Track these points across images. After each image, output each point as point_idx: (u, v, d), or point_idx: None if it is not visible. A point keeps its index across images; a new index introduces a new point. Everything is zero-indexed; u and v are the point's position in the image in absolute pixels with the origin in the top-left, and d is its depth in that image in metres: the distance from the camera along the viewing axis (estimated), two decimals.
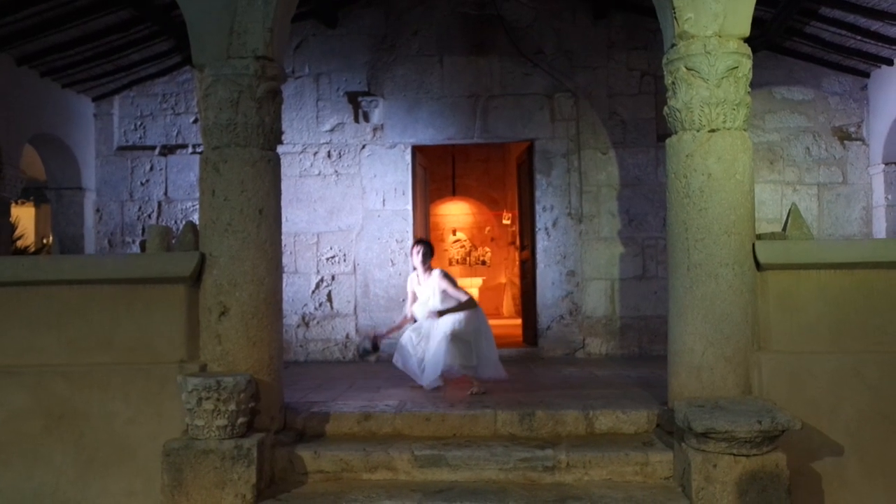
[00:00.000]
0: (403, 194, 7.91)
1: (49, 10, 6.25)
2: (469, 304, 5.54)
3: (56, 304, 4.20)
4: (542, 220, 7.84)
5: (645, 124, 7.80)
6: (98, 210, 8.09)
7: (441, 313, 5.48)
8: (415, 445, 4.20)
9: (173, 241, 4.57)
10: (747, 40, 4.11)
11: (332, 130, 7.96)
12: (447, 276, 5.70)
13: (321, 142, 7.95)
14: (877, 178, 7.69)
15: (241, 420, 3.86)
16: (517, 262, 10.05)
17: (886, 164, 7.57)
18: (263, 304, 4.19)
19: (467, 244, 14.55)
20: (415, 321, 5.71)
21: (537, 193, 7.88)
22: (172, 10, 6.41)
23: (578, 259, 7.76)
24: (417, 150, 8.10)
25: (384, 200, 7.90)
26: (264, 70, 4.23)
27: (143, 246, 7.91)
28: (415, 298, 5.78)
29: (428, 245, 5.84)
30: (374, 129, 7.93)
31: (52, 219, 8.37)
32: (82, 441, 4.10)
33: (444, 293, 5.54)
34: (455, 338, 5.36)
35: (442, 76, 7.88)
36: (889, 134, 7.47)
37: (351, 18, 8.00)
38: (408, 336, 5.62)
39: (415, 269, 5.84)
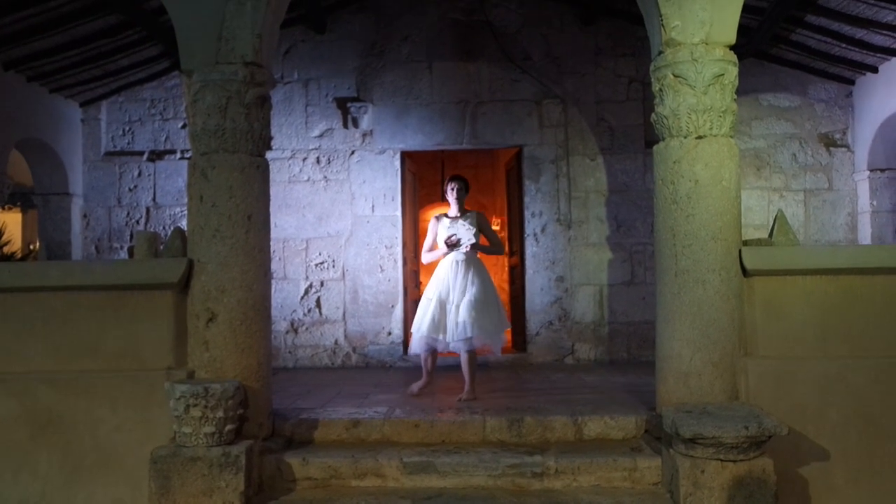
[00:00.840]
0: (393, 200, 7.91)
1: (36, 15, 6.22)
2: (501, 250, 5.51)
3: (42, 311, 4.17)
4: (531, 225, 7.86)
5: (633, 131, 7.84)
6: (85, 216, 8.05)
7: (475, 247, 5.41)
8: (404, 452, 4.20)
9: (161, 247, 4.55)
10: (733, 47, 4.14)
11: (321, 136, 7.96)
12: (486, 217, 5.59)
13: (310, 147, 7.95)
14: (862, 185, 7.76)
15: (228, 427, 3.85)
16: (506, 268, 10.06)
17: (871, 170, 7.64)
18: (252, 310, 4.17)
19: None
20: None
21: (526, 199, 7.91)
22: (161, 16, 6.39)
23: (567, 265, 7.79)
24: (407, 156, 8.11)
25: (373, 206, 7.90)
26: (253, 76, 4.23)
27: (131, 252, 7.88)
28: (436, 247, 5.59)
29: (465, 181, 5.65)
30: (364, 135, 7.93)
31: (38, 224, 8.32)
32: (69, 448, 4.07)
33: (483, 233, 5.47)
34: (479, 303, 5.26)
35: (431, 82, 7.90)
36: (874, 141, 7.55)
37: (340, 24, 8.01)
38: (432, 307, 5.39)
39: (438, 217, 5.63)
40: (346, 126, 7.93)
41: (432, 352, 5.46)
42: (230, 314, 4.12)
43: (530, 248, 7.87)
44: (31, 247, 10.62)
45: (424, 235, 5.76)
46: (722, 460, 3.54)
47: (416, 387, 5.51)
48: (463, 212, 5.58)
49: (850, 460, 3.96)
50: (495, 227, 13.76)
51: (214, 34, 4.20)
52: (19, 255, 9.11)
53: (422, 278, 8.13)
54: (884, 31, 6.53)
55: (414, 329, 5.49)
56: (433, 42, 7.95)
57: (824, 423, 3.98)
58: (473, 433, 4.44)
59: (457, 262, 5.41)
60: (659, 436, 4.10)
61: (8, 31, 6.34)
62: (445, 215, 5.62)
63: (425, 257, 5.70)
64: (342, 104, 7.92)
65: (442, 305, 5.35)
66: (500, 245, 5.68)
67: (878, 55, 7.07)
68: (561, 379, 6.44)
